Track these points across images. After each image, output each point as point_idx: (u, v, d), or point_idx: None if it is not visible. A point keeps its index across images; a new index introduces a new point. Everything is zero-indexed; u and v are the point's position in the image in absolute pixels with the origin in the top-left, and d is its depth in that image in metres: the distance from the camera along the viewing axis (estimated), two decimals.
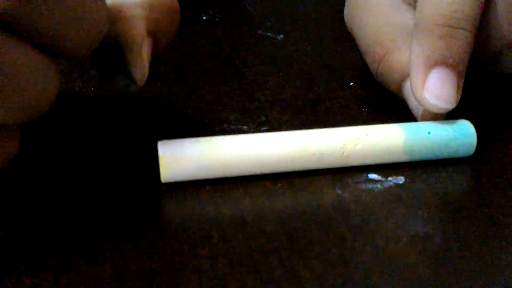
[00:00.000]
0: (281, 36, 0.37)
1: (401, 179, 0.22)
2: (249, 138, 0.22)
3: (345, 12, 0.30)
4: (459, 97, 0.23)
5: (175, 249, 0.19)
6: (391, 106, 0.27)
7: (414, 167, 0.23)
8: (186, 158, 0.21)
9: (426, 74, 0.23)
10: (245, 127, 0.26)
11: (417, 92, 0.23)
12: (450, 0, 0.23)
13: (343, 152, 0.22)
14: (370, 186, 0.22)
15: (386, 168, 0.23)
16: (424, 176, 0.23)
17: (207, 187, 0.21)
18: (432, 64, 0.23)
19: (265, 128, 0.26)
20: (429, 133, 0.23)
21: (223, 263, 0.18)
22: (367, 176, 0.22)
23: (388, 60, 0.26)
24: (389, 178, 0.22)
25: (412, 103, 0.25)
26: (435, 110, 0.23)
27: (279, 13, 0.42)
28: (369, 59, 0.27)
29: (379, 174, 0.23)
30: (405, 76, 0.25)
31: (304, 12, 0.42)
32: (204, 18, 0.41)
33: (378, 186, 0.22)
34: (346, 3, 0.30)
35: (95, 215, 0.20)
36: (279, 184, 0.22)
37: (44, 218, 0.20)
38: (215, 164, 0.21)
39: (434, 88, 0.23)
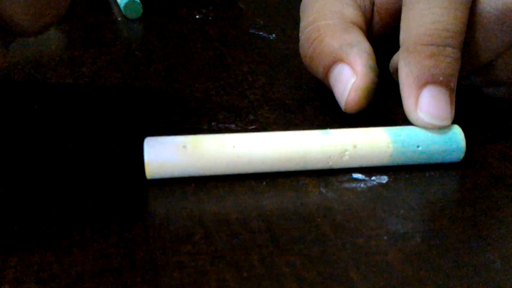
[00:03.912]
0: (273, 35, 0.37)
1: (384, 179, 0.23)
2: (235, 138, 0.22)
3: (301, 4, 0.30)
4: (453, 112, 0.23)
5: (158, 245, 0.19)
6: (379, 107, 0.27)
7: (398, 167, 0.23)
8: (171, 156, 0.21)
9: (417, 94, 0.23)
10: (233, 125, 0.26)
11: (410, 112, 0.23)
12: (434, 19, 0.23)
13: (328, 162, 0.22)
14: (353, 185, 0.22)
15: (370, 168, 0.23)
16: (407, 176, 0.23)
17: (193, 185, 0.22)
18: (423, 83, 0.23)
19: (253, 127, 0.26)
20: (418, 146, 0.23)
21: (204, 259, 0.18)
22: (351, 176, 0.23)
23: (320, 43, 0.26)
24: (373, 178, 0.23)
25: (338, 90, 0.25)
26: (432, 128, 0.23)
27: (272, 13, 0.42)
28: (302, 40, 0.27)
29: (363, 173, 0.23)
30: (334, 61, 0.25)
31: (296, 12, 0.42)
32: (197, 16, 0.41)
33: (362, 185, 0.22)
34: None
35: (79, 210, 0.20)
36: (264, 183, 0.22)
37: (28, 212, 0.20)
38: (200, 164, 0.21)
39: (427, 107, 0.23)
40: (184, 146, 0.21)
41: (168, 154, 0.21)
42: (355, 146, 0.22)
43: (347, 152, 0.22)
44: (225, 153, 0.21)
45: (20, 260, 0.18)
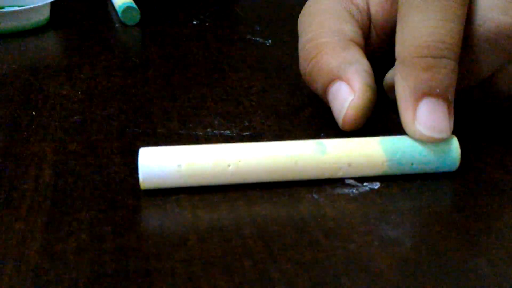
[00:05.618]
0: (269, 41, 0.38)
1: (376, 185, 0.23)
2: (229, 154, 0.22)
3: (299, 18, 0.30)
4: (452, 124, 0.23)
5: (151, 252, 0.19)
6: (373, 113, 0.28)
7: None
8: (165, 175, 0.21)
9: (415, 107, 0.23)
10: (228, 132, 0.26)
11: (408, 125, 0.23)
12: (429, 31, 0.23)
13: (322, 177, 0.23)
14: (346, 190, 0.23)
15: None
16: (399, 181, 0.23)
17: (186, 191, 0.22)
18: (420, 95, 0.22)
19: (248, 133, 0.26)
20: (412, 164, 0.23)
21: (197, 265, 0.19)
22: (344, 181, 0.23)
23: (319, 61, 0.26)
24: (365, 183, 0.23)
25: (336, 107, 0.25)
26: (431, 141, 0.23)
27: (269, 19, 0.43)
28: (301, 57, 0.27)
29: (355, 179, 0.23)
30: (332, 79, 0.25)
31: (293, 18, 0.43)
32: (194, 22, 0.41)
33: (354, 191, 0.23)
34: (302, 11, 0.30)
35: (74, 216, 0.21)
36: (257, 189, 0.22)
37: (24, 219, 0.20)
38: (194, 181, 0.22)
39: (425, 119, 0.22)
40: (178, 165, 0.22)
41: (163, 173, 0.21)
42: (350, 165, 0.23)
43: (341, 170, 0.23)
44: (219, 172, 0.22)
45: (15, 265, 0.18)
